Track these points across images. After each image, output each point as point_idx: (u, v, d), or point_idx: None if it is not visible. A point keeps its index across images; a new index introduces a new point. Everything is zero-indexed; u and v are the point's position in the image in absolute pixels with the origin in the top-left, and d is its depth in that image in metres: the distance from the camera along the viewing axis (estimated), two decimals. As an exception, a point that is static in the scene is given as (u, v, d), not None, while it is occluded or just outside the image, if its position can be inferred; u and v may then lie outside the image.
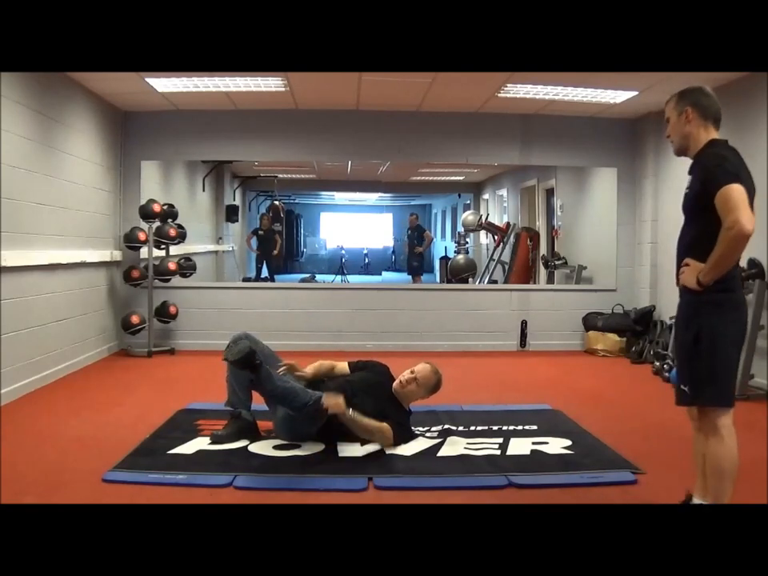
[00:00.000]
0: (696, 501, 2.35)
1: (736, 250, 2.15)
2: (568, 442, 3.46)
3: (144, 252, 6.01)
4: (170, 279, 6.17)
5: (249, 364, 3.11)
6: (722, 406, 2.27)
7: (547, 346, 6.52)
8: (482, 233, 9.92)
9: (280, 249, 11.26)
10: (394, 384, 3.46)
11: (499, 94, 5.69)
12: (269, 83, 5.36)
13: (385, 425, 3.27)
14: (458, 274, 8.50)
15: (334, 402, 3.14)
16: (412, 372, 3.44)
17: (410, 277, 11.44)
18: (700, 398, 2.28)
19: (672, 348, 5.33)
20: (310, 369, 3.54)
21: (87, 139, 5.51)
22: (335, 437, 3.32)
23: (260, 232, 10.95)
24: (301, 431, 3.31)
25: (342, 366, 3.64)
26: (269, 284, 8.32)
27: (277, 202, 11.38)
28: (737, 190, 2.12)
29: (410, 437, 3.43)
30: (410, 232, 11.79)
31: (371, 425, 3.23)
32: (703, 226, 2.22)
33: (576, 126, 6.50)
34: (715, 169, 2.20)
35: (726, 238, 2.11)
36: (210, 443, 3.35)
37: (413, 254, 11.35)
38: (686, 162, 2.44)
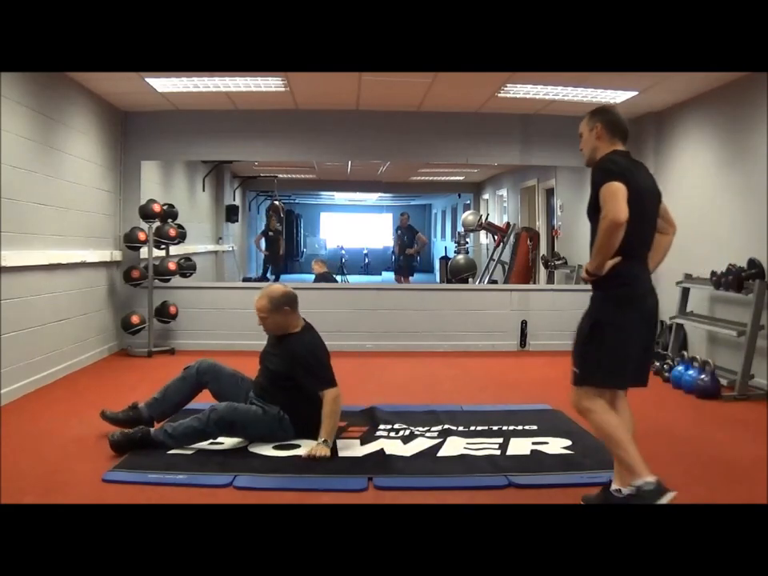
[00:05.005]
0: (614, 487, 2.54)
1: (611, 237, 2.33)
2: (568, 442, 3.46)
3: (144, 252, 6.01)
4: (170, 279, 6.17)
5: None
6: (606, 386, 2.54)
7: (547, 346, 6.51)
8: (482, 233, 9.93)
9: (282, 249, 11.32)
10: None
11: (499, 94, 5.69)
12: (269, 83, 5.36)
13: (324, 397, 3.24)
14: (458, 274, 8.50)
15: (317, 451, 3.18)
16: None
17: (394, 276, 11.44)
18: (588, 379, 2.52)
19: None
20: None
21: (87, 139, 5.50)
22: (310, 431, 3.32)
23: (270, 233, 10.97)
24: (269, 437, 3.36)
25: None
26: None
27: (277, 202, 11.39)
28: (614, 186, 2.33)
29: (316, 349, 3.39)
30: (399, 231, 11.77)
31: (333, 417, 3.25)
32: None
33: (576, 126, 6.47)
34: (600, 171, 2.45)
35: (602, 227, 2.34)
36: (102, 417, 3.43)
37: (402, 254, 11.36)
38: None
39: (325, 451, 3.17)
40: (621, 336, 2.45)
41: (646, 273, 2.56)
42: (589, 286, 2.58)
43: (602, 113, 2.60)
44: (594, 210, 2.45)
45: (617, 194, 2.32)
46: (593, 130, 2.59)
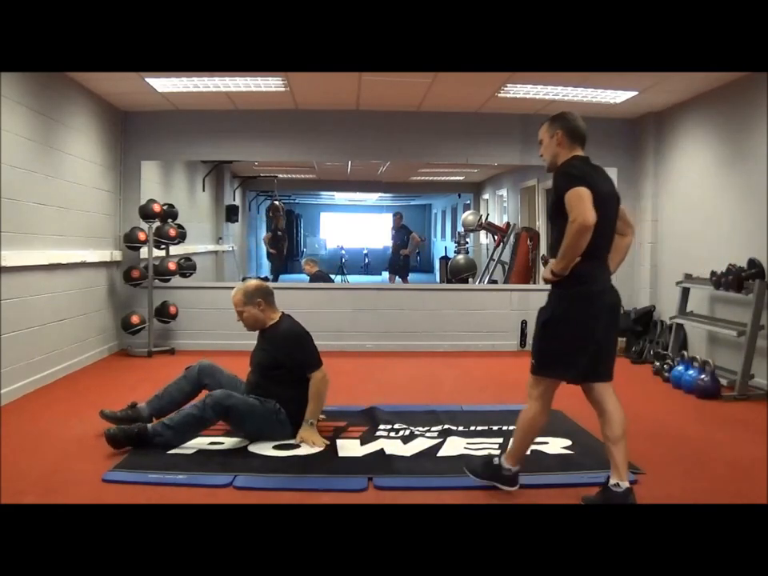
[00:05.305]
0: (612, 482, 2.59)
1: (579, 239, 2.41)
2: (568, 442, 3.46)
3: (144, 252, 6.01)
4: (170, 279, 6.17)
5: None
6: (555, 377, 2.66)
7: (547, 346, 6.51)
8: (482, 233, 9.92)
9: (285, 248, 11.39)
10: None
11: (499, 94, 5.69)
12: (269, 83, 5.36)
13: (312, 379, 3.35)
14: (458, 274, 8.50)
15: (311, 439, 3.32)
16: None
17: (388, 275, 11.47)
18: (540, 369, 2.67)
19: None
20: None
21: (87, 139, 5.50)
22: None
23: (279, 232, 11.01)
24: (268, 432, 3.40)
25: None
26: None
27: (277, 202, 11.40)
28: (579, 190, 2.42)
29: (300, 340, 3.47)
30: (393, 232, 11.77)
31: (319, 398, 3.37)
32: (561, 229, 2.50)
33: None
34: (562, 176, 2.54)
35: (571, 230, 2.41)
36: (101, 416, 3.46)
37: (397, 255, 11.36)
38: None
39: (315, 437, 3.28)
40: (572, 332, 2.57)
41: (606, 273, 2.64)
42: None
43: (562, 120, 2.69)
44: (556, 214, 2.53)
45: (583, 198, 2.41)
46: (553, 137, 2.67)
